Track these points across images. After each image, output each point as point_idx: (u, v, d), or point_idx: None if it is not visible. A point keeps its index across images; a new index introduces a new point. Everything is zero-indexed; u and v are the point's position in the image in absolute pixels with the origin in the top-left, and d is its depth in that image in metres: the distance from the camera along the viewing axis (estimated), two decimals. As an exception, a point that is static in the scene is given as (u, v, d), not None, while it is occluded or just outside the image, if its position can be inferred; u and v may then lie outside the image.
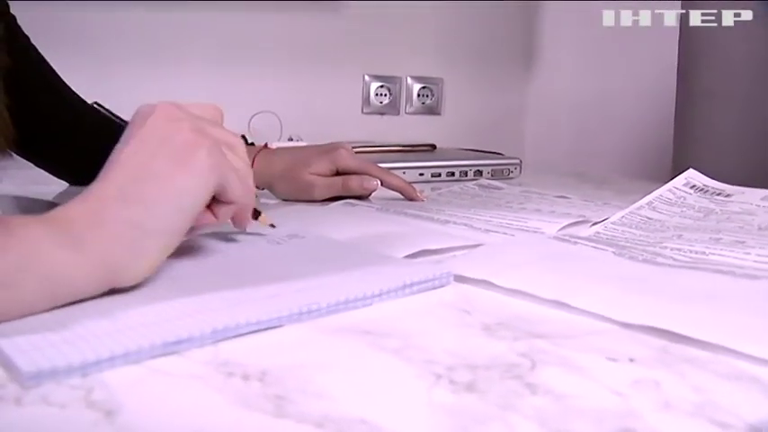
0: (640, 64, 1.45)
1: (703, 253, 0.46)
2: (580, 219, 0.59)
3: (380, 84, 1.58)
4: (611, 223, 0.56)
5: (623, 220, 0.57)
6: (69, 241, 0.32)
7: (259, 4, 1.45)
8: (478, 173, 0.93)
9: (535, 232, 0.54)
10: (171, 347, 0.29)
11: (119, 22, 1.38)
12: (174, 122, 0.39)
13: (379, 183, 0.72)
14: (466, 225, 0.56)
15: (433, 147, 1.06)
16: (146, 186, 0.36)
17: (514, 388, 0.25)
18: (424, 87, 1.61)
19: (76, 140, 0.80)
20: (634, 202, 0.64)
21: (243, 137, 0.81)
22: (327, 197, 0.71)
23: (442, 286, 0.39)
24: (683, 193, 0.63)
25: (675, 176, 0.68)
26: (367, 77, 1.57)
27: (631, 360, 0.28)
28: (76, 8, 1.34)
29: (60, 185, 0.84)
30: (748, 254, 0.45)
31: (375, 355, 0.29)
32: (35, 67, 0.75)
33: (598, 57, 1.56)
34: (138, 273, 0.34)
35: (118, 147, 0.39)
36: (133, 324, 0.30)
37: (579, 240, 0.49)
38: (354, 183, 0.71)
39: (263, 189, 0.74)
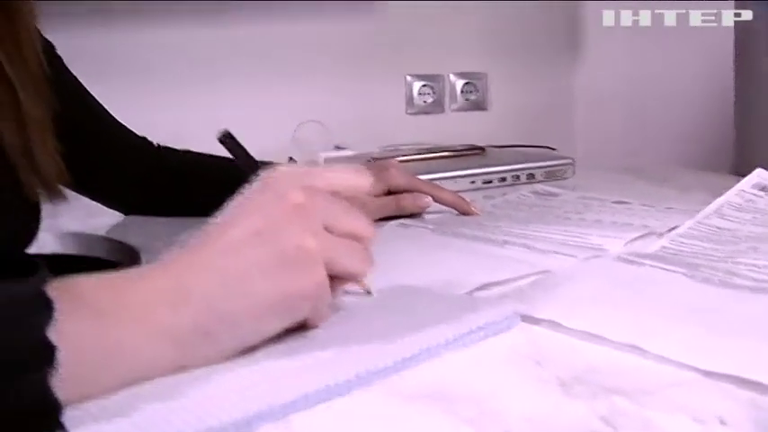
0: (694, 47, 1.39)
1: (782, 270, 0.44)
2: (644, 231, 0.56)
3: (423, 83, 1.56)
4: (678, 236, 0.54)
5: (690, 231, 0.54)
6: (147, 321, 0.32)
7: (295, 13, 1.45)
8: (531, 176, 0.91)
9: (599, 250, 0.52)
10: (242, 428, 0.28)
11: (155, 45, 1.40)
12: (292, 217, 0.35)
13: (431, 199, 0.71)
14: (525, 246, 0.54)
15: (482, 149, 1.04)
16: (232, 298, 0.33)
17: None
18: (467, 83, 1.58)
19: (127, 172, 0.82)
20: (698, 203, 0.62)
21: (290, 158, 0.80)
22: (381, 218, 0.71)
23: (510, 329, 0.38)
24: (751, 197, 0.60)
25: (738, 168, 0.65)
26: (409, 78, 1.56)
27: (722, 422, 0.27)
28: (106, 32, 1.36)
29: (115, 216, 0.86)
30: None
31: (451, 426, 0.28)
32: (81, 101, 0.77)
33: (647, 42, 1.51)
34: (210, 362, 0.34)
35: (221, 216, 0.36)
36: (199, 400, 0.30)
37: (646, 261, 0.47)
38: (407, 202, 0.70)
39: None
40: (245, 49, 1.44)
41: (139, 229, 0.78)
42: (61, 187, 0.61)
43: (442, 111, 1.58)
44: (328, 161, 1.19)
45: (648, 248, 0.52)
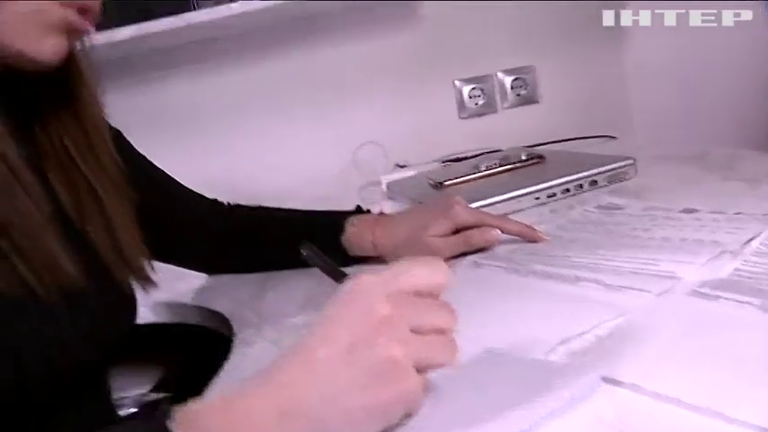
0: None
1: None
2: (716, 251, 0.57)
3: (472, 86, 1.57)
4: (752, 255, 0.54)
5: (762, 248, 0.55)
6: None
7: (338, 38, 1.48)
8: (594, 183, 0.91)
9: (671, 279, 0.53)
10: None
11: (212, 88, 1.46)
12: (381, 329, 0.37)
13: (499, 232, 0.73)
14: (597, 282, 0.56)
15: (542, 157, 1.05)
16: (331, 414, 0.36)
17: None
18: (516, 79, 1.58)
19: (204, 237, 0.87)
20: None
21: (358, 207, 0.84)
22: (451, 256, 0.73)
23: (593, 393, 0.40)
24: None
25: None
26: (457, 82, 1.57)
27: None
28: (164, 83, 1.43)
29: (200, 278, 0.91)
30: None
31: None
32: (152, 181, 0.82)
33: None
34: None
35: (313, 330, 0.39)
36: None
37: (720, 293, 0.48)
38: (476, 239, 0.73)
39: (388, 260, 0.77)
40: (298, 82, 1.49)
41: (225, 293, 0.83)
42: (151, 274, 0.66)
43: (495, 110, 1.59)
44: (391, 184, 1.22)
45: (722, 272, 0.53)
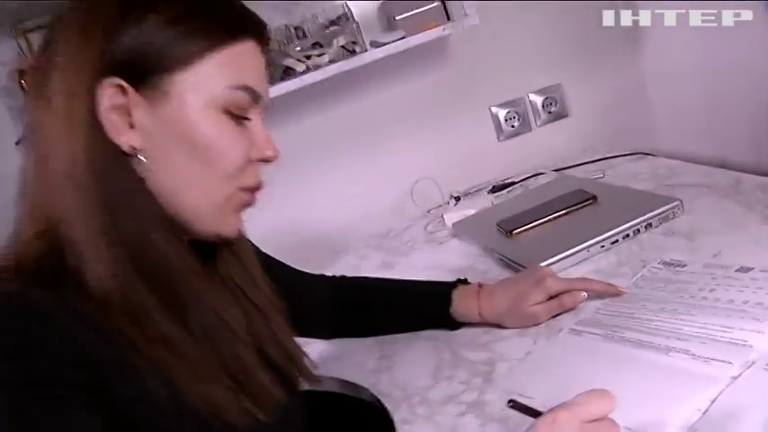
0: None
1: None
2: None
3: (507, 110, 1.71)
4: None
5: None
6: None
7: (380, 85, 1.61)
8: (648, 225, 1.06)
9: (747, 348, 0.69)
10: None
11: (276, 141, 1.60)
12: None
13: (585, 294, 0.89)
14: (686, 353, 0.71)
15: (594, 198, 1.20)
16: None
17: None
18: (546, 98, 1.72)
19: (319, 310, 1.01)
20: None
21: (460, 279, 0.99)
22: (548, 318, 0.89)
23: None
24: None
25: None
26: (494, 108, 1.71)
27: None
28: None
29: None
30: None
31: None
32: (282, 277, 0.96)
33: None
34: None
35: None
36: None
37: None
38: (568, 303, 0.88)
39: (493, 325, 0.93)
40: (348, 127, 1.63)
41: (346, 360, 0.99)
42: (313, 371, 0.81)
43: (530, 129, 1.74)
44: (457, 226, 1.37)
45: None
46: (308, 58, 1.49)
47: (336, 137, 1.63)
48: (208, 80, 0.62)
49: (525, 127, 1.72)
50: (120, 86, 0.59)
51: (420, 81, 1.65)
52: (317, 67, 1.46)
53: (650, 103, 1.76)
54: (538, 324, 0.89)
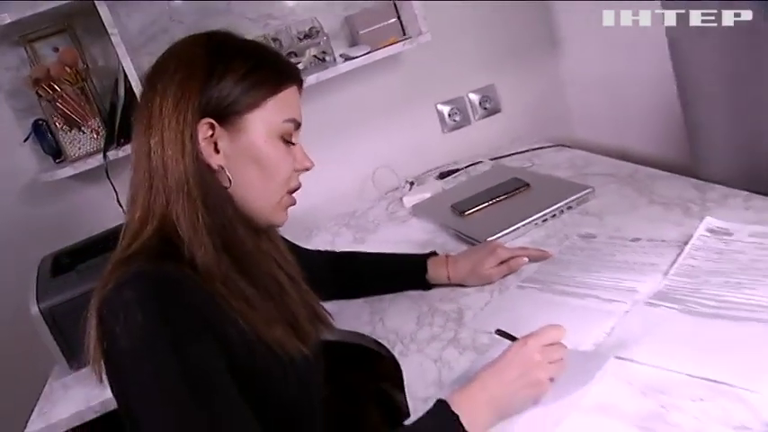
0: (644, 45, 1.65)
1: (728, 300, 0.94)
2: (655, 273, 1.06)
3: (450, 106, 2.02)
4: (673, 275, 1.04)
5: (677, 270, 1.05)
6: (480, 416, 0.83)
7: (343, 88, 1.89)
8: (570, 207, 1.40)
9: (634, 292, 1.03)
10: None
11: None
12: (533, 366, 0.81)
13: (526, 260, 1.22)
14: (596, 297, 1.05)
15: (527, 185, 1.53)
16: (508, 406, 0.83)
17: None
18: (482, 96, 2.04)
19: (323, 277, 1.29)
20: (677, 225, 1.12)
21: (432, 252, 1.29)
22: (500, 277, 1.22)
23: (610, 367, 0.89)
24: (705, 239, 1.09)
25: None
26: (439, 105, 2.02)
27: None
28: None
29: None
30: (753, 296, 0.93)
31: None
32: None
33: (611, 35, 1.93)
34: (502, 419, 0.85)
35: (497, 361, 0.84)
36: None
37: (660, 302, 0.98)
38: (514, 266, 1.21)
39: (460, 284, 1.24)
40: (316, 122, 1.90)
41: (354, 315, 1.28)
42: (330, 319, 1.09)
43: (469, 122, 2.06)
44: (415, 208, 1.68)
45: (659, 286, 1.03)
46: (286, 66, 1.74)
47: (307, 131, 1.89)
48: (269, 117, 0.89)
49: (465, 121, 2.04)
50: (211, 124, 0.86)
51: (378, 83, 1.93)
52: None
53: (567, 101, 2.12)
54: (492, 283, 1.21)
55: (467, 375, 0.97)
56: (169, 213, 0.84)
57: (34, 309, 1.45)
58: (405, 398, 1.00)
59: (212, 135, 0.86)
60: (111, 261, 0.83)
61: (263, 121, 0.88)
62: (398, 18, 1.81)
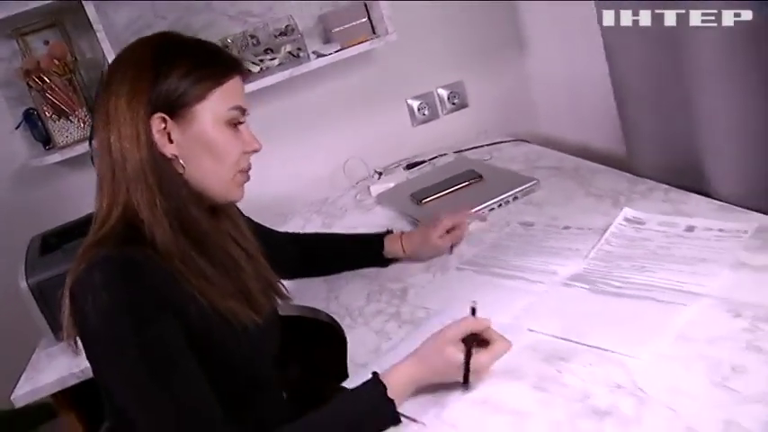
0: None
1: (630, 280, 1.06)
2: (576, 257, 1.19)
3: (420, 101, 2.14)
4: (591, 259, 1.16)
5: (595, 255, 1.17)
6: (404, 390, 0.95)
7: (318, 82, 2.01)
8: (515, 198, 1.52)
9: (554, 275, 1.15)
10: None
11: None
12: (450, 350, 0.91)
13: (469, 226, 1.35)
14: (526, 280, 1.17)
15: (480, 177, 1.65)
16: (425, 378, 0.94)
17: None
18: (451, 92, 2.16)
19: (286, 257, 1.41)
20: (604, 215, 1.24)
21: (389, 230, 1.41)
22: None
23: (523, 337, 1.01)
24: (622, 228, 1.22)
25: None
26: (409, 100, 2.14)
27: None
28: None
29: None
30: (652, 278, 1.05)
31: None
32: (259, 230, 1.35)
33: (574, 35, 2.05)
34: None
35: (421, 347, 0.96)
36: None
37: (575, 283, 1.10)
38: (459, 233, 1.35)
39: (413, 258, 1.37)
40: (291, 115, 2.02)
41: (304, 294, 1.41)
42: (285, 292, 1.21)
43: (438, 116, 2.17)
44: (380, 196, 1.80)
45: (578, 269, 1.15)
46: (262, 61, 1.87)
47: (284, 123, 2.02)
48: (215, 107, 0.98)
49: (434, 115, 2.16)
50: (163, 118, 0.96)
51: (351, 79, 2.05)
52: (269, 68, 1.84)
53: (533, 97, 2.23)
54: (442, 255, 1.35)
55: (401, 344, 1.10)
56: (130, 199, 0.93)
57: (23, 284, 1.58)
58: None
59: (165, 127, 0.95)
60: (84, 244, 0.93)
61: (210, 110, 0.97)
62: (369, 18, 1.92)
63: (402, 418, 0.92)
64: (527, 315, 1.07)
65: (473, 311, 0.97)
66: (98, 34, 1.64)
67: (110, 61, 1.65)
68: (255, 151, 1.05)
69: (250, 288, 1.05)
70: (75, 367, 1.48)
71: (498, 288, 1.18)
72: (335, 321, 1.28)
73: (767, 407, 0.75)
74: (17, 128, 1.84)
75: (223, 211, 1.09)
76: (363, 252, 1.42)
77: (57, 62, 1.72)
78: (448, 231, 1.36)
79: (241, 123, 1.03)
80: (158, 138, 0.95)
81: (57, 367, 1.51)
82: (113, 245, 0.89)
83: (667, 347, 0.90)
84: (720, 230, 1.09)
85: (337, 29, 1.90)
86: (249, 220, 1.30)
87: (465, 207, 1.49)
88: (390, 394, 0.92)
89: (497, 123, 2.18)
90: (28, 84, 1.74)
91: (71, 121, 1.77)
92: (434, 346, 0.94)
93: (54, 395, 1.50)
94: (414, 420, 0.92)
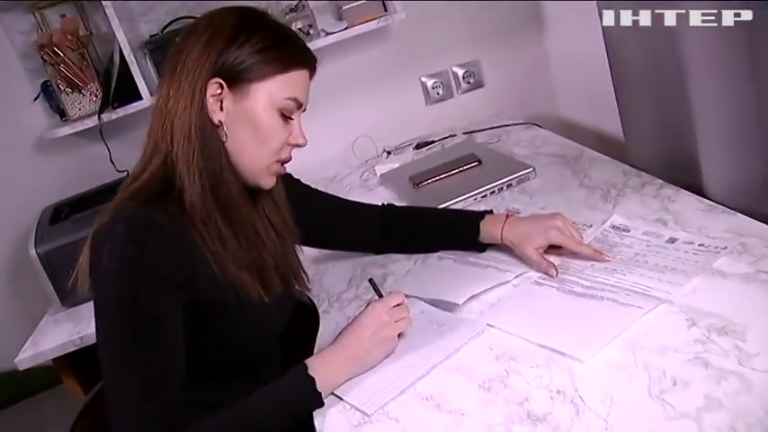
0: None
1: (606, 282, 1.04)
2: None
3: (434, 80, 2.12)
4: (566, 257, 1.14)
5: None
6: (336, 374, 0.97)
7: (332, 58, 2.00)
8: (510, 185, 1.50)
9: (528, 271, 1.14)
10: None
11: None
12: (383, 326, 0.97)
13: (555, 274, 1.11)
14: (496, 269, 1.16)
15: (479, 161, 1.63)
16: (364, 361, 0.97)
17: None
18: (466, 71, 2.12)
19: (365, 230, 1.36)
20: (603, 212, 1.22)
21: (490, 210, 1.28)
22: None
23: (481, 335, 1.01)
24: (607, 233, 1.18)
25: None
26: (423, 78, 2.11)
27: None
28: None
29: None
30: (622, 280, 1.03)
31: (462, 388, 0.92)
32: (321, 201, 1.34)
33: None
34: (357, 375, 0.98)
35: (352, 323, 0.99)
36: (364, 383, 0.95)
37: (543, 282, 1.09)
38: (549, 270, 1.12)
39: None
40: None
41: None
42: (306, 282, 1.21)
43: (452, 96, 2.15)
44: (383, 175, 1.80)
45: (536, 276, 1.13)
46: (272, 38, 1.86)
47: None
48: (273, 91, 0.99)
49: (448, 94, 2.14)
50: (220, 84, 0.97)
51: (364, 56, 2.04)
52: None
53: (551, 78, 2.18)
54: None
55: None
56: (171, 151, 0.97)
57: (32, 252, 1.65)
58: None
59: (220, 93, 0.97)
60: (122, 188, 0.98)
61: (267, 92, 0.99)
62: (382, -5, 1.90)
63: (348, 405, 0.95)
64: (491, 310, 1.07)
65: (374, 288, 1.06)
66: (107, 11, 1.67)
67: (118, 38, 1.69)
68: (299, 146, 1.06)
69: (267, 264, 1.06)
70: (76, 334, 1.54)
71: (474, 278, 1.17)
72: (314, 305, 1.30)
73: (695, 423, 0.73)
74: (35, 99, 1.90)
75: (268, 192, 1.09)
76: (452, 233, 1.29)
77: (69, 37, 1.76)
78: (551, 247, 1.15)
79: (293, 117, 1.03)
80: (211, 102, 0.97)
81: (60, 333, 1.58)
82: (142, 201, 0.92)
83: (617, 354, 0.88)
84: (701, 245, 1.06)
85: (348, 6, 1.88)
86: (316, 191, 1.33)
87: (458, 193, 1.48)
88: (319, 386, 0.94)
89: (513, 104, 2.14)
90: (42, 57, 1.78)
91: (83, 95, 1.82)
92: (368, 320, 1.00)
93: (56, 360, 1.57)
94: (357, 409, 0.93)
